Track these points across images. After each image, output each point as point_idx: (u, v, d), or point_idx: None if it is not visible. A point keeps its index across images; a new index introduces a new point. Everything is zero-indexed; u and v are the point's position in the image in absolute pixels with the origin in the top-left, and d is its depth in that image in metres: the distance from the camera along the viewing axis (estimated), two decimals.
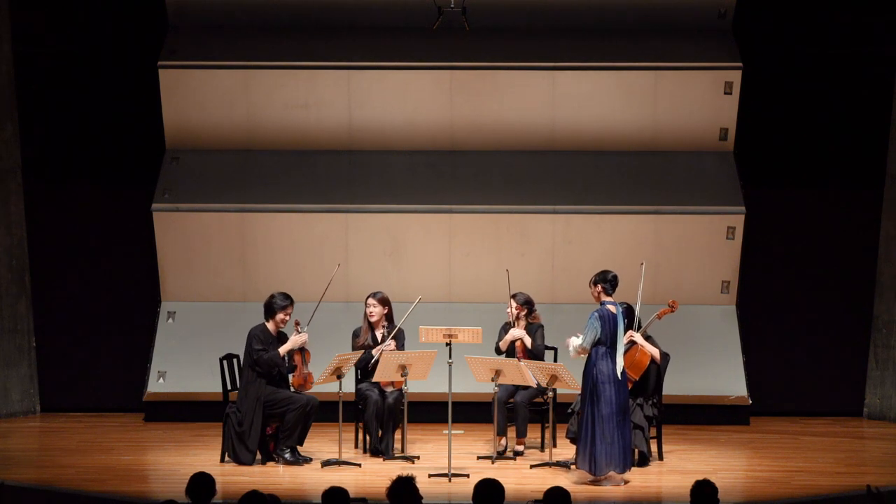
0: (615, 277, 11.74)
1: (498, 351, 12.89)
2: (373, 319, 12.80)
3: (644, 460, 12.34)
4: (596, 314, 11.56)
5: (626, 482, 11.64)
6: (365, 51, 15.02)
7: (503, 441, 12.82)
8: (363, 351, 12.72)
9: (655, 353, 12.39)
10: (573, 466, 12.01)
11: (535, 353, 12.76)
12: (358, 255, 14.67)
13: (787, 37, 15.31)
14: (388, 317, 12.88)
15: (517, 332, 12.75)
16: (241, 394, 12.49)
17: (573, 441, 12.13)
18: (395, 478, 7.87)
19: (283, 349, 12.45)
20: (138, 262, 15.09)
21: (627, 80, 14.99)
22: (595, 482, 11.56)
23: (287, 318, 12.52)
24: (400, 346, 12.75)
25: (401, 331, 12.82)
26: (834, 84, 15.28)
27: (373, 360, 12.51)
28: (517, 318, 12.87)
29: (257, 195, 14.89)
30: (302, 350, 12.54)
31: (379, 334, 12.81)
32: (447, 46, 14.95)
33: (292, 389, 12.53)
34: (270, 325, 12.53)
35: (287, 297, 12.54)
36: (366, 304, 12.86)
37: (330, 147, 15.13)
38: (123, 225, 15.22)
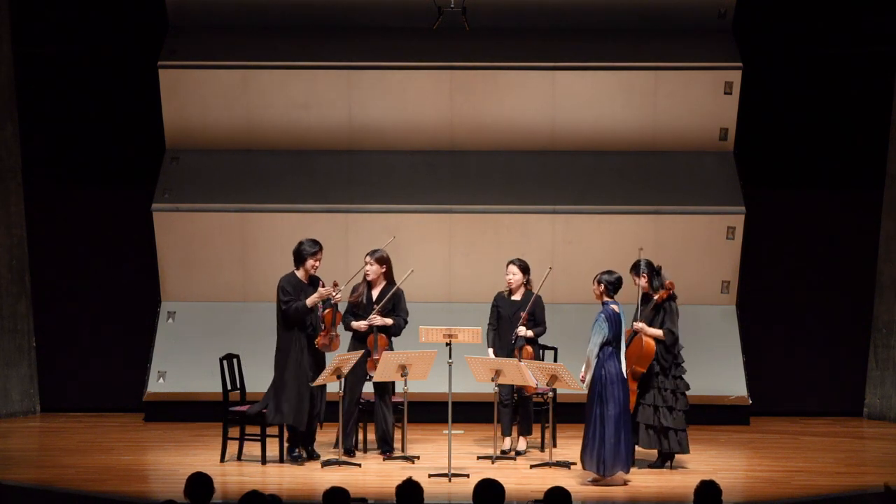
0: (619, 279, 11.74)
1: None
2: (369, 278, 12.71)
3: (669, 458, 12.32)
4: (603, 315, 11.55)
5: (627, 482, 11.64)
6: (365, 51, 15.02)
7: (507, 440, 12.81)
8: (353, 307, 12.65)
9: (658, 333, 12.23)
10: (573, 466, 12.01)
11: (541, 333, 12.74)
12: (358, 255, 14.63)
13: (787, 37, 15.31)
14: (388, 277, 12.76)
15: (522, 331, 12.66)
16: (281, 360, 12.35)
17: None
18: (407, 478, 7.92)
19: (310, 300, 12.31)
20: (138, 262, 15.10)
21: (627, 80, 15.00)
22: (596, 482, 11.55)
23: (318, 263, 12.43)
24: (397, 315, 12.62)
25: (401, 301, 12.69)
26: (834, 84, 15.29)
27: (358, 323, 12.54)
28: (518, 285, 12.81)
29: (257, 195, 14.90)
30: (334, 308, 12.45)
31: (375, 293, 12.74)
32: (447, 46, 14.96)
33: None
34: (300, 273, 12.47)
35: (315, 242, 12.45)
36: (364, 261, 12.80)
37: (330, 147, 15.13)
38: (123, 225, 15.23)
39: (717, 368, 14.48)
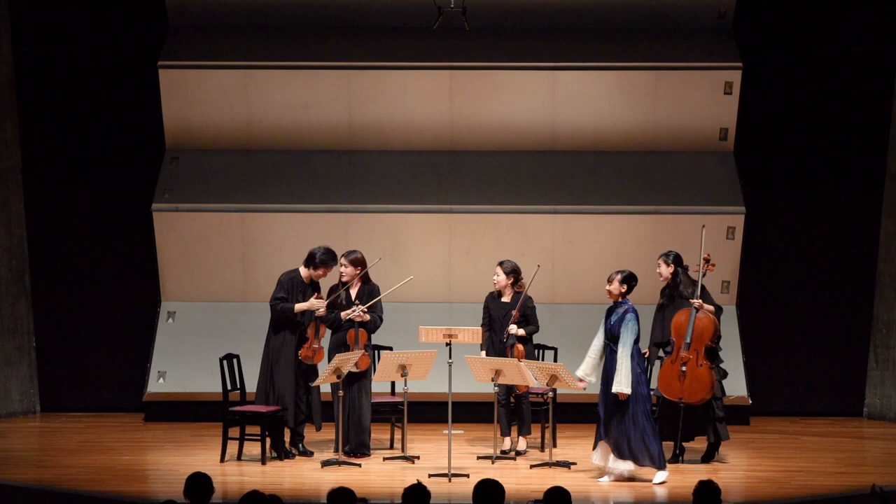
0: (636, 277, 11.79)
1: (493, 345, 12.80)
2: (344, 279, 12.71)
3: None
4: (632, 315, 11.55)
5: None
6: (365, 51, 15.02)
7: (507, 441, 12.80)
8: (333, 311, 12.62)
9: (711, 308, 12.45)
10: (573, 466, 12.02)
11: (533, 331, 12.74)
12: None
13: (787, 37, 15.31)
14: (364, 277, 12.74)
15: (513, 329, 12.65)
16: (273, 356, 12.55)
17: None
18: (415, 482, 7.94)
19: (298, 307, 12.49)
20: (138, 262, 15.10)
21: (627, 80, 14.99)
22: (622, 477, 11.57)
23: (324, 275, 12.56)
24: (373, 312, 12.58)
25: (378, 301, 12.65)
26: (834, 84, 15.29)
27: (336, 321, 12.52)
28: (504, 286, 12.82)
29: (257, 195, 14.90)
30: (317, 322, 12.52)
31: (353, 292, 12.74)
32: (447, 46, 14.96)
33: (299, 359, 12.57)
34: (304, 273, 12.59)
35: (330, 254, 12.57)
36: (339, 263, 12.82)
37: (330, 147, 15.13)
38: (123, 225, 15.23)
39: None
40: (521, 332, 12.63)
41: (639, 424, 11.50)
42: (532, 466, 12.23)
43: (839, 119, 15.29)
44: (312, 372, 12.56)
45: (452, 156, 15.16)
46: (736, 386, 14.43)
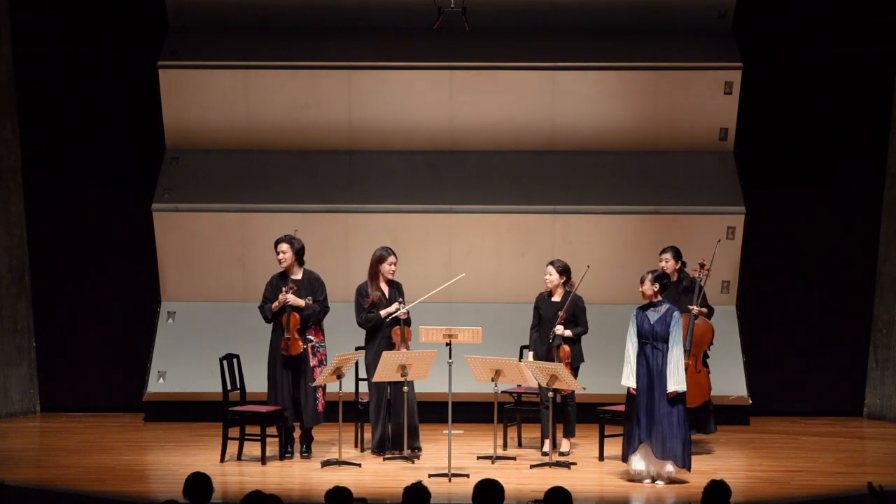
0: (669, 277, 11.77)
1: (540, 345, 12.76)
2: (392, 276, 12.68)
3: None
4: (679, 313, 11.56)
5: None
6: (365, 51, 15.03)
7: (547, 443, 12.70)
8: (372, 312, 12.60)
9: (704, 311, 12.60)
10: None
11: (581, 333, 12.72)
12: (358, 255, 14.66)
13: (787, 37, 15.32)
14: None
15: (559, 329, 12.59)
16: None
17: None
18: (416, 481, 7.94)
19: (274, 305, 12.61)
20: (138, 262, 15.10)
21: (627, 80, 15.00)
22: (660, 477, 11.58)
23: (281, 255, 12.64)
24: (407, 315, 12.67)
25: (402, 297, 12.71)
26: (834, 84, 15.29)
27: (391, 316, 12.51)
28: (556, 286, 12.78)
29: (257, 195, 14.90)
30: (287, 312, 12.54)
31: (385, 290, 12.72)
32: (447, 46, 14.96)
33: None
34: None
35: (285, 235, 12.73)
36: (383, 260, 12.64)
37: (330, 147, 15.13)
38: (123, 225, 15.23)
39: (717, 368, 14.43)
40: (568, 332, 12.58)
41: (685, 425, 11.48)
42: (532, 466, 12.23)
43: (839, 119, 15.29)
44: (307, 370, 12.55)
45: (452, 156, 15.17)
46: (736, 386, 14.44)
